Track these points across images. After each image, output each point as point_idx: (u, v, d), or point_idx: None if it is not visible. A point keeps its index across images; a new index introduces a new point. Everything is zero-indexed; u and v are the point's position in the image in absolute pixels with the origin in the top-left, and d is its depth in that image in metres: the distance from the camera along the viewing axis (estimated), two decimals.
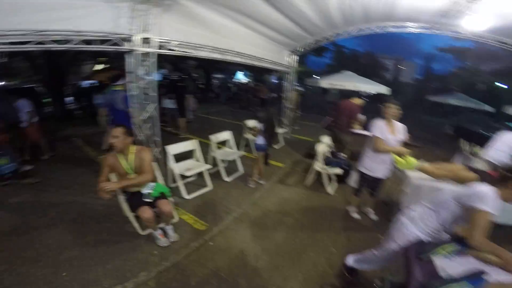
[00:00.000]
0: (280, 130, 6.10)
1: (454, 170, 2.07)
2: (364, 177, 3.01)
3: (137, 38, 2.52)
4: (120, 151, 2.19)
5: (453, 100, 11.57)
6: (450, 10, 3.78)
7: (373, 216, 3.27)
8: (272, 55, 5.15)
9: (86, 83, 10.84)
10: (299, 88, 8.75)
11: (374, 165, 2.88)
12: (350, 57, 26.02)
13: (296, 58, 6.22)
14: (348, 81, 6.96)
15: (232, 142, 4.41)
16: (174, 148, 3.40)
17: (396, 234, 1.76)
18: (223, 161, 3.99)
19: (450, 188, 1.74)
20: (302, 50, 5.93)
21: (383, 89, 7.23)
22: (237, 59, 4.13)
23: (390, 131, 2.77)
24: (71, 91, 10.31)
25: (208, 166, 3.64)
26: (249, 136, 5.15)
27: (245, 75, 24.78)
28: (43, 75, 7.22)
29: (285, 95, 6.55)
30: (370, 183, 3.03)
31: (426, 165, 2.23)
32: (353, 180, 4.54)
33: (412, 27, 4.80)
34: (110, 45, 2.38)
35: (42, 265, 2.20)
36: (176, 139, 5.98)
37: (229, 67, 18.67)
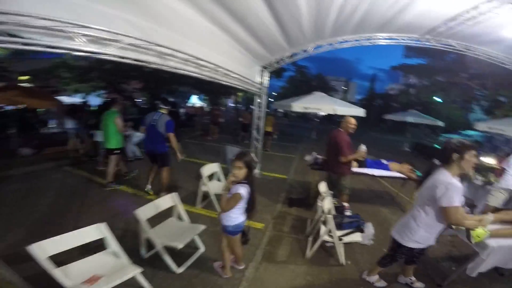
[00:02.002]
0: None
1: None
2: (412, 252, 2.10)
3: None
4: None
5: (410, 118, 12.11)
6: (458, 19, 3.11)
7: (418, 284, 2.40)
8: (243, 69, 3.65)
9: None
10: (272, 112, 7.69)
11: (429, 235, 2.00)
12: (303, 79, 26.88)
13: (267, 76, 4.96)
14: (324, 104, 6.02)
15: (181, 210, 2.57)
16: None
17: None
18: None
19: None
20: (275, 66, 4.72)
21: (359, 112, 6.55)
22: (192, 69, 2.45)
23: None
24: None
25: (138, 270, 1.76)
26: (209, 188, 3.46)
27: (200, 98, 22.73)
28: None
29: (255, 122, 5.06)
30: (415, 254, 2.20)
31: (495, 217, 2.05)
32: (365, 236, 3.29)
33: (399, 39, 4.13)
34: None
35: None
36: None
37: (182, 89, 16.56)
